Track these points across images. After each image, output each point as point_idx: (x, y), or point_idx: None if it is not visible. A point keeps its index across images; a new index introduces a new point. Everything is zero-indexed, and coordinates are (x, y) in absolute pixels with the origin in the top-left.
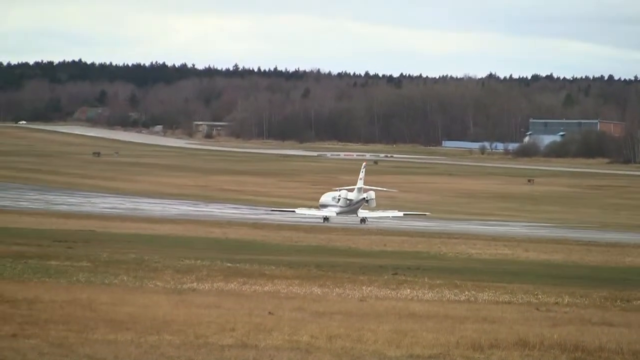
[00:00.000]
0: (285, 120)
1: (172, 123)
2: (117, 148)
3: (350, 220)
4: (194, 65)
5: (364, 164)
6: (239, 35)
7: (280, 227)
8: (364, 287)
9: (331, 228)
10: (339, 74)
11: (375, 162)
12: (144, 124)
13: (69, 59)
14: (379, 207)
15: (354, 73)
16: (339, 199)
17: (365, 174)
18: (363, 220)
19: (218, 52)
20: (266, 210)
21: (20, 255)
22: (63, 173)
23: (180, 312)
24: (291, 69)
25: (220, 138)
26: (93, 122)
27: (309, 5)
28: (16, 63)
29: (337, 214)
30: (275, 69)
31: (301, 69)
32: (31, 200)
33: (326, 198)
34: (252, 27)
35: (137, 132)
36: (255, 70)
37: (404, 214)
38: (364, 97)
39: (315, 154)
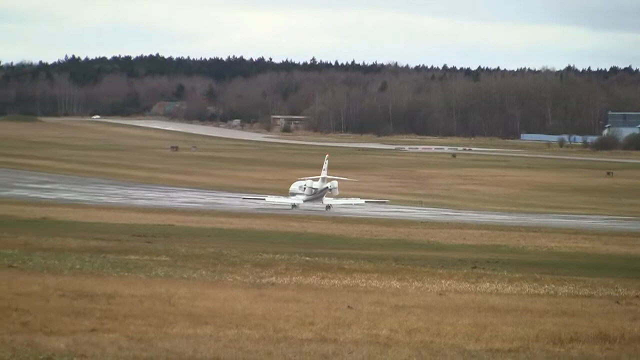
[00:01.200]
0: (363, 114)
1: (250, 117)
2: (195, 142)
3: (318, 207)
4: (271, 59)
5: (327, 155)
6: (316, 28)
7: (359, 220)
8: (443, 281)
9: (410, 222)
10: (417, 67)
11: (454, 155)
12: (222, 118)
13: (146, 53)
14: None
15: (432, 66)
16: (304, 188)
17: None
18: (328, 207)
19: (295, 45)
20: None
21: (99, 249)
22: (141, 167)
23: (259, 306)
24: (369, 62)
25: (298, 132)
26: (171, 116)
27: None
28: (94, 58)
29: (304, 201)
30: (353, 62)
31: (379, 62)
32: (110, 194)
33: (294, 187)
34: (329, 21)
35: (214, 126)
36: (333, 63)
37: (365, 201)
38: (441, 91)
39: (393, 147)
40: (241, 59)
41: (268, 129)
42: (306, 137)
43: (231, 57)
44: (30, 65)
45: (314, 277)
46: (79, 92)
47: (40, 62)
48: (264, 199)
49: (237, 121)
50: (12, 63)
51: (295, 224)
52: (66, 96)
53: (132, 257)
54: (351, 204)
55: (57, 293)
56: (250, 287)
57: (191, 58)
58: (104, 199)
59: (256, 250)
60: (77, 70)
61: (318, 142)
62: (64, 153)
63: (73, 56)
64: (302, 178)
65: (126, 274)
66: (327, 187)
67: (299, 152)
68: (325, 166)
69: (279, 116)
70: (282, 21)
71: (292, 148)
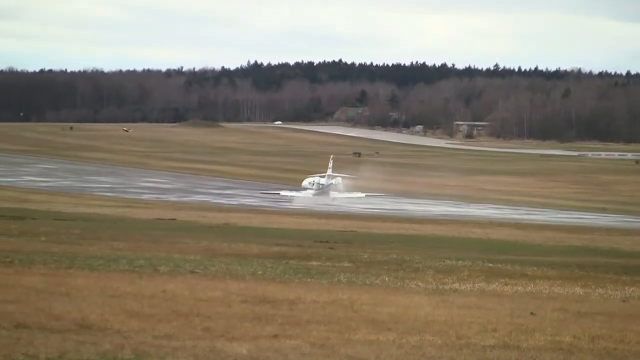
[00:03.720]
0: (546, 120)
1: (432, 123)
2: (377, 148)
3: (325, 200)
4: (454, 64)
5: (332, 156)
6: (499, 34)
7: (541, 227)
8: (626, 288)
9: (594, 229)
10: (600, 74)
11: (637, 161)
12: (404, 124)
13: (329, 59)
14: None
15: (615, 72)
16: (313, 184)
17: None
18: (334, 199)
19: (478, 51)
20: (262, 193)
21: (281, 255)
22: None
23: (442, 312)
24: (552, 68)
25: (480, 138)
26: (353, 122)
27: (570, 3)
28: (277, 63)
29: (313, 195)
30: (536, 68)
31: (562, 68)
32: (292, 200)
33: (305, 183)
34: (512, 26)
35: (397, 132)
36: (516, 69)
37: (366, 195)
38: (625, 97)
39: (575, 153)
40: (424, 64)
41: (450, 135)
42: (489, 143)
43: (414, 62)
44: (213, 70)
45: (496, 283)
46: (261, 97)
47: (223, 67)
48: (279, 193)
49: (419, 127)
50: (194, 69)
51: (478, 230)
52: (248, 102)
53: (315, 263)
54: (353, 197)
55: (239, 299)
56: (433, 294)
57: (374, 64)
58: (285, 204)
59: (439, 257)
60: (260, 76)
61: (500, 148)
62: (246, 159)
63: (255, 62)
64: (310, 175)
65: (308, 279)
66: (332, 183)
67: (480, 158)
68: (330, 165)
69: (461, 122)
70: (465, 26)
71: (474, 154)
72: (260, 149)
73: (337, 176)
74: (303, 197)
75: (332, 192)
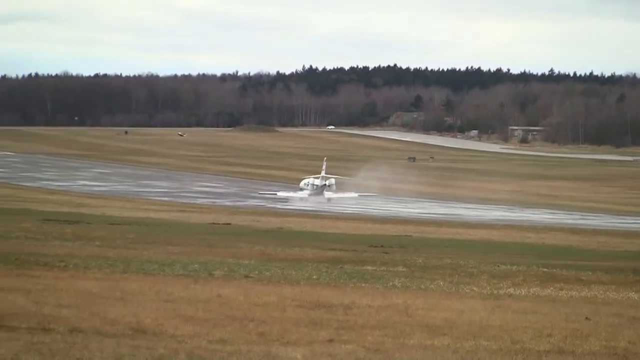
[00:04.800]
0: (601, 125)
1: (487, 128)
2: (432, 153)
3: (320, 199)
4: (509, 69)
5: (325, 158)
6: (554, 39)
7: (596, 232)
8: None
9: None
10: None
11: None
12: (459, 129)
13: (384, 64)
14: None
15: None
16: (309, 185)
17: None
18: (329, 199)
19: (533, 56)
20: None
21: (336, 260)
22: (377, 178)
23: (497, 317)
24: (606, 73)
25: (535, 143)
26: (408, 127)
27: (627, 9)
28: (332, 68)
29: (309, 195)
30: (591, 73)
31: (617, 73)
32: (346, 205)
33: (302, 184)
34: (567, 31)
35: (452, 136)
36: (571, 75)
37: (358, 195)
38: None
39: (630, 159)
40: (479, 69)
41: (505, 140)
42: (543, 148)
43: (469, 67)
44: (268, 75)
45: (551, 288)
46: (316, 102)
47: (278, 72)
48: (276, 194)
49: (474, 132)
50: (249, 73)
51: (533, 235)
52: (303, 106)
53: (369, 267)
54: (346, 197)
55: (294, 303)
56: (488, 298)
57: (429, 68)
58: (339, 209)
59: (493, 262)
60: (315, 81)
61: (555, 153)
62: (300, 163)
63: (310, 66)
64: (305, 177)
65: (363, 284)
66: (326, 184)
67: (535, 163)
68: (324, 167)
69: (516, 127)
70: (520, 31)
71: (529, 159)
72: (315, 154)
73: (330, 177)
74: (299, 197)
75: (327, 193)
